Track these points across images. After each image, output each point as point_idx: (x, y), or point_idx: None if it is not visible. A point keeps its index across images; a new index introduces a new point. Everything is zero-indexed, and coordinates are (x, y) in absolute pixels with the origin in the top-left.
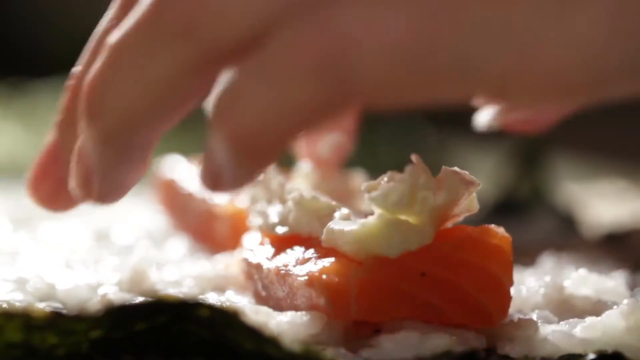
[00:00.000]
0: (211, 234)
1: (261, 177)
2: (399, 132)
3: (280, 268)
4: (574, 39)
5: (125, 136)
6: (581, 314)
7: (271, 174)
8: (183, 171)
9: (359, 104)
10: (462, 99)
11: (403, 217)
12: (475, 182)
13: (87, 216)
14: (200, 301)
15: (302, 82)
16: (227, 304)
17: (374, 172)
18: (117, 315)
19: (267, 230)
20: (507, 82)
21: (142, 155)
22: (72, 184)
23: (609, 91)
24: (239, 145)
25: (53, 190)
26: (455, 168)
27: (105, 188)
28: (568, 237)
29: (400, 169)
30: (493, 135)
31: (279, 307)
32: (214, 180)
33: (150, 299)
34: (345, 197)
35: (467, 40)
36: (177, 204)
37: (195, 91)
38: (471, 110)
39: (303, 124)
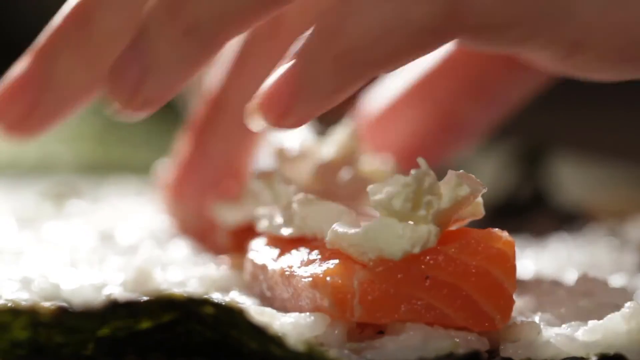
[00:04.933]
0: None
1: (266, 179)
2: None
3: (285, 269)
4: None
5: (212, 30)
6: (583, 316)
7: (277, 175)
8: None
9: (464, 35)
10: (535, 56)
11: (407, 220)
12: (481, 186)
13: (92, 216)
14: (205, 299)
15: None
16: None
17: None
18: (122, 313)
19: (273, 231)
20: (584, 37)
21: (211, 54)
22: (114, 88)
23: None
24: (343, 60)
25: (21, 115)
26: (461, 171)
27: (157, 89)
28: (570, 239)
29: None
30: (496, 137)
31: (284, 308)
32: (282, 108)
33: (155, 297)
34: (356, 190)
35: None
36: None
37: None
38: None
39: (410, 43)
